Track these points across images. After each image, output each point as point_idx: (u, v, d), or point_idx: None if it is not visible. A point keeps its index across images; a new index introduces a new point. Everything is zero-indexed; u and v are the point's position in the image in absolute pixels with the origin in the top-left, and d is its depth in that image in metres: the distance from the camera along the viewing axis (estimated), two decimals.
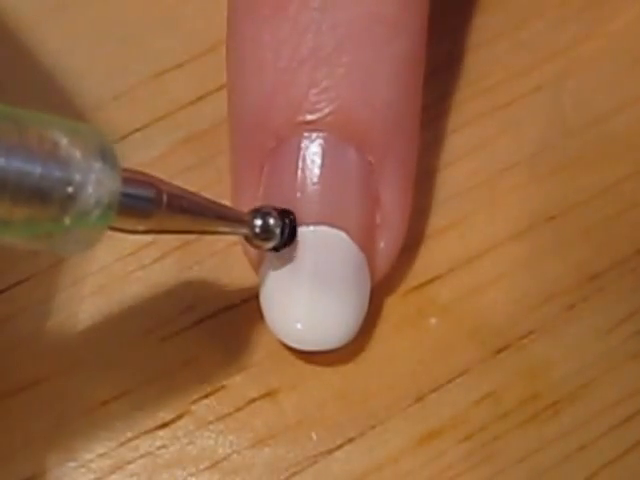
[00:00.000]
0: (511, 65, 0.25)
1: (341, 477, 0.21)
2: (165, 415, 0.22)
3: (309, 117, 0.21)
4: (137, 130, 0.24)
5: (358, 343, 0.22)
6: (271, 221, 0.20)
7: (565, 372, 0.22)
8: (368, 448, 0.22)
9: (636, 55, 0.25)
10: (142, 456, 0.21)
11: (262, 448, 0.22)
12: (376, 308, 0.22)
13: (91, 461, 0.21)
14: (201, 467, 0.21)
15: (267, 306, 0.21)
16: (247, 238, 0.21)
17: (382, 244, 0.22)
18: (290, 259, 0.21)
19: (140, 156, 0.23)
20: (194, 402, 0.22)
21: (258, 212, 0.20)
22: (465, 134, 0.24)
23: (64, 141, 0.17)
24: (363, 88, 0.21)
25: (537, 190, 0.24)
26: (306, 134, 0.21)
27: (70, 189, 0.17)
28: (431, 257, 0.23)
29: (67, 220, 0.17)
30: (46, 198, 0.16)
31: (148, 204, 0.18)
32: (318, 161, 0.21)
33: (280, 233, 0.20)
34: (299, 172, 0.21)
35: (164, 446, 0.21)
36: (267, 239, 0.20)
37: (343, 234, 0.21)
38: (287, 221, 0.21)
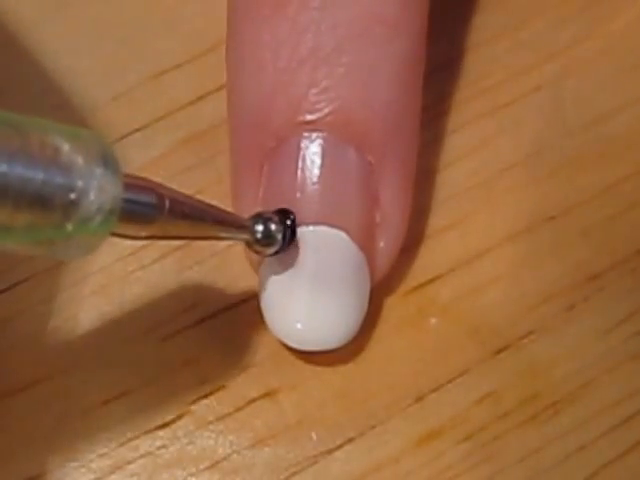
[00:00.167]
0: (511, 65, 0.25)
1: (341, 477, 0.21)
2: (165, 415, 0.22)
3: (309, 117, 0.21)
4: (137, 130, 0.24)
5: (358, 343, 0.22)
6: (272, 227, 0.20)
7: (565, 372, 0.22)
8: (368, 448, 0.22)
9: (636, 55, 0.25)
10: (142, 456, 0.21)
11: (262, 448, 0.22)
12: (376, 308, 0.22)
13: (91, 461, 0.21)
14: (201, 467, 0.21)
15: (267, 306, 0.21)
16: (248, 243, 0.21)
17: (382, 244, 0.22)
18: (290, 259, 0.21)
19: (140, 156, 0.23)
20: (194, 402, 0.22)
21: (259, 217, 0.20)
22: (465, 134, 0.24)
23: (66, 147, 0.17)
24: (363, 88, 0.21)
25: (537, 190, 0.24)
26: (306, 134, 0.21)
27: (72, 195, 0.17)
28: (431, 257, 0.23)
29: (69, 226, 0.17)
30: (48, 204, 0.16)
31: (150, 210, 0.18)
32: (318, 161, 0.21)
33: (282, 238, 0.20)
34: (299, 172, 0.21)
35: (164, 446, 0.21)
36: (268, 244, 0.20)
37: (343, 234, 0.21)
38: (288, 223, 0.21)
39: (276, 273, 0.21)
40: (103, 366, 0.22)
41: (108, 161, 0.17)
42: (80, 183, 0.17)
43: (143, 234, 0.18)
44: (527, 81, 0.25)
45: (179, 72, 0.24)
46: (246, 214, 0.21)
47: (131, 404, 0.22)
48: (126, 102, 0.24)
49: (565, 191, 0.24)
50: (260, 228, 0.20)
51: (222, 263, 0.23)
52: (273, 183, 0.21)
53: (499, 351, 0.22)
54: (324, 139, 0.21)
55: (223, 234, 0.20)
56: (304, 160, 0.21)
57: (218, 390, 0.22)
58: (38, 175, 0.16)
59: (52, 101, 0.24)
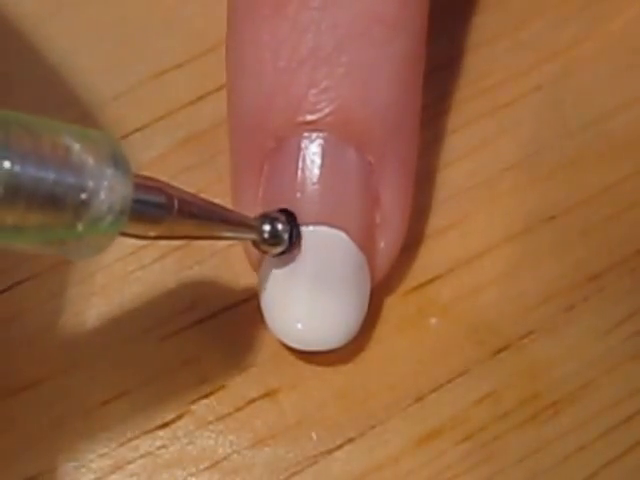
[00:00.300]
0: (511, 65, 0.25)
1: (341, 477, 0.21)
2: (165, 415, 0.22)
3: (309, 117, 0.21)
4: (137, 130, 0.24)
5: (358, 343, 0.22)
6: (279, 226, 0.20)
7: (565, 372, 0.22)
8: (368, 448, 0.22)
9: (636, 55, 0.25)
10: (142, 456, 0.21)
11: (262, 448, 0.22)
12: (376, 308, 0.22)
13: (91, 461, 0.21)
14: (201, 467, 0.21)
15: (267, 306, 0.21)
16: (255, 243, 0.21)
17: (382, 244, 0.22)
18: (290, 259, 0.21)
19: (140, 156, 0.23)
20: (194, 402, 0.22)
21: (266, 217, 0.20)
22: (465, 134, 0.24)
23: (77, 147, 0.17)
24: (363, 88, 0.21)
25: (537, 190, 0.24)
26: (306, 134, 0.21)
27: (84, 195, 0.17)
28: (431, 257, 0.23)
29: (80, 226, 0.17)
30: (60, 204, 0.16)
31: (159, 210, 0.18)
32: (318, 161, 0.21)
33: (288, 238, 0.20)
34: (299, 172, 0.21)
35: (164, 446, 0.21)
36: (275, 244, 0.20)
37: (343, 234, 0.21)
38: (293, 223, 0.21)
39: (276, 273, 0.21)
40: (103, 366, 0.22)
41: (118, 161, 0.17)
42: (91, 183, 0.17)
43: (152, 234, 0.18)
44: (527, 81, 0.25)
45: (179, 72, 0.24)
46: (246, 214, 0.21)
47: (131, 404, 0.22)
48: (126, 102, 0.24)
49: (565, 191, 0.24)
50: (267, 228, 0.20)
51: (222, 263, 0.23)
52: (273, 183, 0.21)
53: (499, 351, 0.22)
54: (324, 139, 0.21)
55: (230, 234, 0.20)
56: (304, 160, 0.21)
57: (218, 390, 0.22)
58: (50, 175, 0.16)
59: (52, 101, 0.24)
